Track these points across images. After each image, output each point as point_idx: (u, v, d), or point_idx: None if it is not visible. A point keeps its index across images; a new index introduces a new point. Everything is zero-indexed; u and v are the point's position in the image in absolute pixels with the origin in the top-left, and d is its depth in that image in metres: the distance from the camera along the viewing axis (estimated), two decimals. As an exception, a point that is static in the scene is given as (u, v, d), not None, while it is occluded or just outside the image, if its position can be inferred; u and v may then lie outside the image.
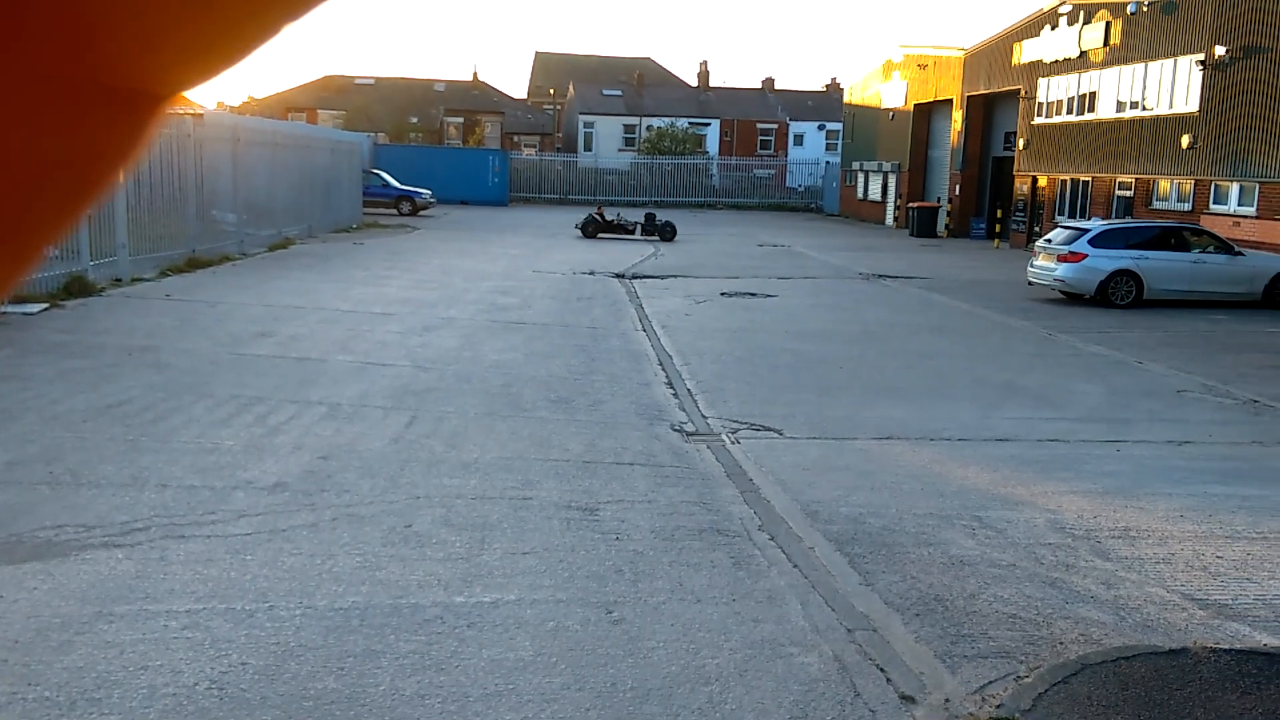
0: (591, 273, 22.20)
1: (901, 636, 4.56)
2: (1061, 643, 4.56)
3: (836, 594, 5.11)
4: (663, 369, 12.14)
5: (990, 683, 4.09)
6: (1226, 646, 4.38)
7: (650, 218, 30.58)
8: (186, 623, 4.53)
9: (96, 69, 0.35)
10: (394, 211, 37.08)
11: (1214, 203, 23.26)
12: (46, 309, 12.94)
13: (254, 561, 5.20)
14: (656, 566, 5.37)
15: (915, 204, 37.37)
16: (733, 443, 8.88)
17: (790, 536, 6.12)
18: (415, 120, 63.34)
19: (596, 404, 10.14)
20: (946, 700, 3.92)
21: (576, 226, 31.12)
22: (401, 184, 39.35)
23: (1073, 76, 29.20)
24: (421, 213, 38.01)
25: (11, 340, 11.08)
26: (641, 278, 21.74)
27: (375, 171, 39.26)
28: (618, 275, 21.96)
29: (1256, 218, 21.68)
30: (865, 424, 9.63)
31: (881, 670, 4.20)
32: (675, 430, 9.26)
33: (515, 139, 63.25)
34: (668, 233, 30.36)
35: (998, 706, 3.74)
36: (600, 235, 30.21)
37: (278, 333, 12.68)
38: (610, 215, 31.58)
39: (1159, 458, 8.84)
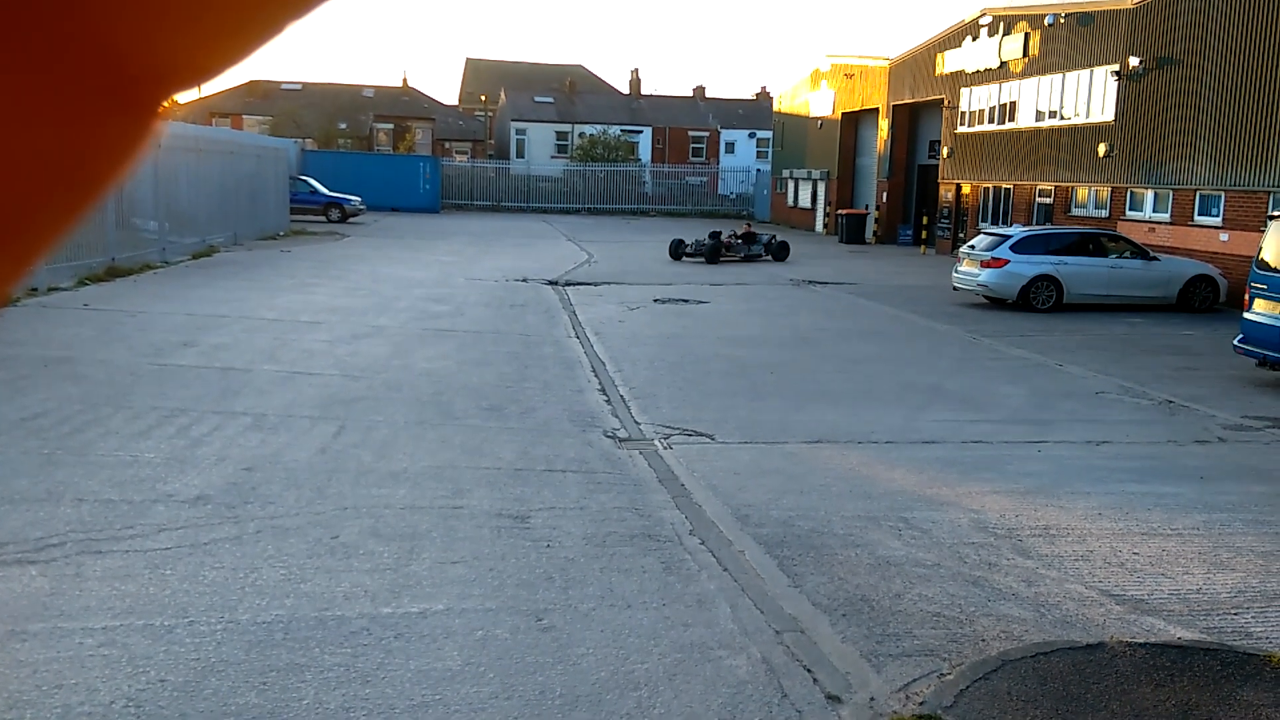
0: (524, 280, 22.11)
1: (828, 637, 4.62)
2: (984, 640, 4.66)
3: (765, 596, 5.16)
4: (596, 375, 12.14)
5: (914, 680, 4.16)
6: (1142, 640, 4.52)
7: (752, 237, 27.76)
8: (103, 640, 4.40)
9: (99, 64, 0.34)
10: (323, 219, 36.55)
11: (1130, 209, 24.00)
12: (-44, 319, 12.50)
13: (174, 576, 5.07)
14: (587, 573, 5.36)
15: (844, 211, 37.94)
16: (665, 448, 8.91)
17: (721, 540, 6.16)
18: (344, 126, 62.54)
19: (529, 411, 10.10)
20: (871, 699, 3.98)
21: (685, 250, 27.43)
22: (330, 191, 38.82)
23: (994, 86, 29.91)
24: (351, 220, 37.52)
25: (-82, 352, 10.68)
26: (575, 284, 21.72)
27: (303, 178, 38.67)
28: (551, 282, 21.91)
29: (1170, 223, 22.42)
30: (796, 428, 9.74)
31: (808, 671, 4.25)
32: (608, 436, 9.26)
33: (447, 145, 62.82)
34: (782, 253, 27.76)
35: (921, 704, 3.81)
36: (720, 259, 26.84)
37: (201, 342, 12.41)
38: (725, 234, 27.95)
39: (1078, 457, 9.08)
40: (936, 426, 10.03)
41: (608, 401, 10.73)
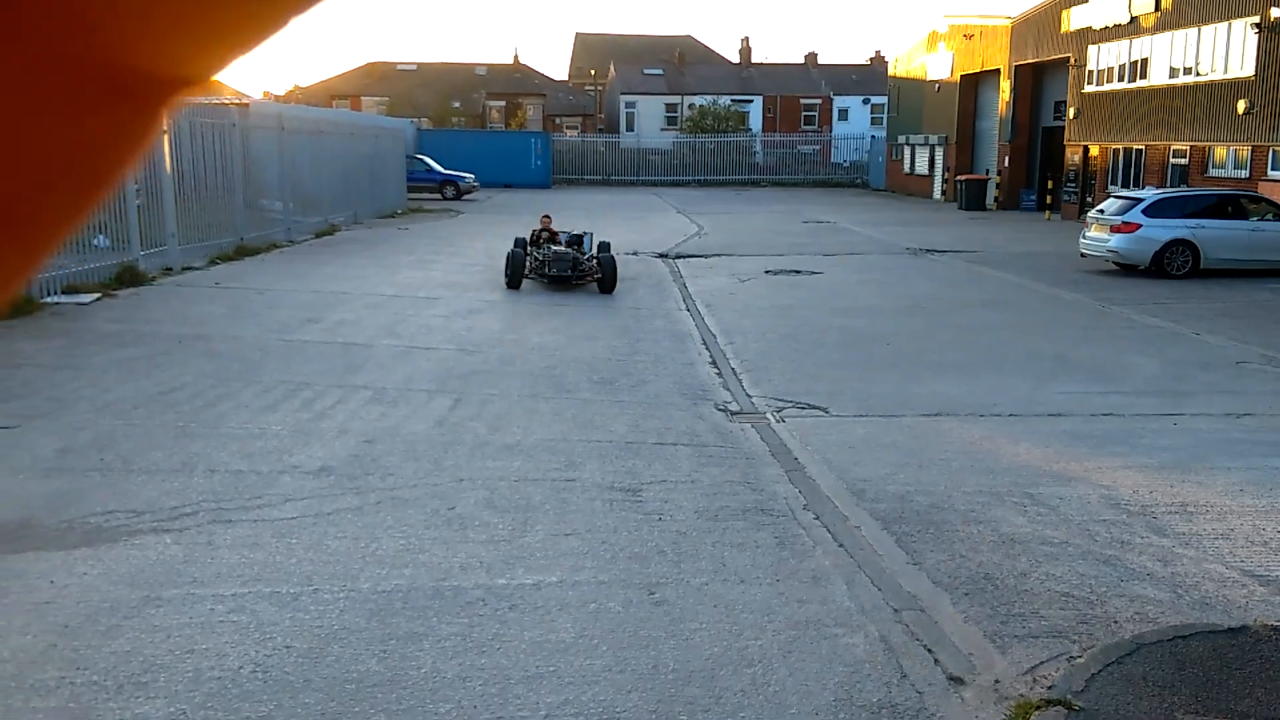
0: (635, 253, 22.10)
1: (950, 616, 4.47)
2: (1116, 622, 4.44)
3: (883, 573, 5.02)
4: (706, 348, 12.05)
5: (1041, 663, 3.98)
6: (1289, 624, 4.24)
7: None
8: (232, 606, 4.57)
9: (104, 58, 0.34)
10: (438, 196, 37.26)
11: (1272, 169, 22.58)
12: (99, 299, 13.17)
13: (299, 545, 5.23)
14: (699, 547, 5.31)
15: (963, 177, 36.76)
16: (777, 421, 8.79)
17: (836, 515, 6.03)
18: (457, 105, 63.58)
19: (640, 384, 10.10)
20: (996, 681, 3.83)
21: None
22: (445, 168, 39.50)
23: (1123, 43, 28.46)
24: (465, 197, 38.16)
25: (65, 330, 11.29)
26: (685, 257, 21.62)
27: (419, 157, 39.46)
28: (661, 255, 21.86)
29: (1319, 183, 21.01)
30: (913, 400, 9.49)
31: (929, 651, 4.12)
32: (719, 410, 9.19)
33: (557, 121, 63.24)
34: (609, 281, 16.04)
35: (1049, 688, 3.64)
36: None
37: (324, 318, 12.79)
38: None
39: (1217, 431, 8.60)
40: (1063, 399, 9.64)
41: (719, 374, 10.65)
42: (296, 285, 15.57)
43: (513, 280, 15.70)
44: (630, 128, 59.98)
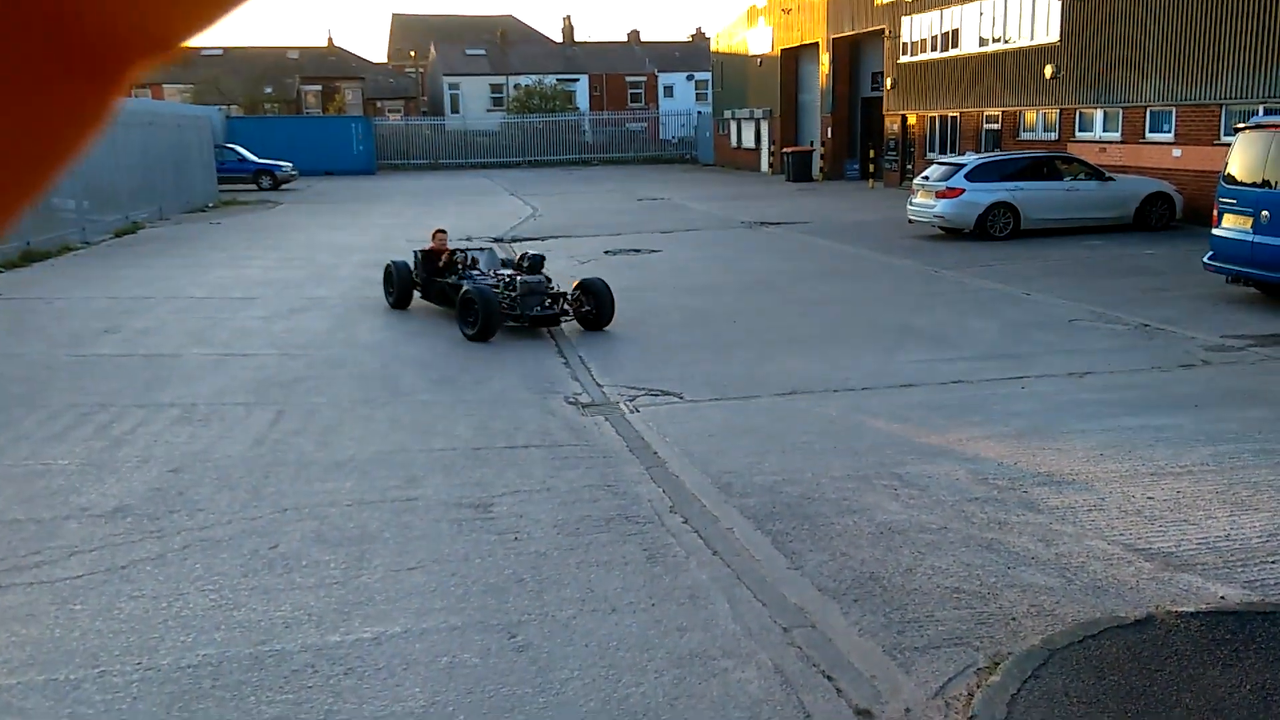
0: (469, 239, 21.25)
1: (843, 631, 4.08)
2: (1014, 618, 4.16)
3: (765, 584, 4.60)
4: (551, 336, 11.48)
5: (950, 680, 3.63)
6: (1191, 609, 4.05)
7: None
8: (-2, 701, 3.73)
9: (56, 33, 0.32)
10: (253, 187, 35.13)
11: (1080, 130, 23.63)
12: None
13: (84, 613, 4.38)
14: (563, 570, 4.76)
15: (789, 149, 37.27)
16: (632, 411, 8.32)
17: (705, 517, 5.59)
18: (270, 90, 60.38)
19: (482, 380, 9.44)
20: (907, 710, 3.44)
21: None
22: (260, 158, 37.30)
23: (935, 14, 29.28)
24: (283, 186, 36.13)
25: None
26: (521, 240, 20.92)
27: (230, 146, 37.12)
28: (496, 240, 21.09)
29: (1122, 142, 22.08)
30: (767, 379, 9.19)
31: (829, 679, 3.70)
32: (570, 402, 8.65)
33: (378, 105, 60.95)
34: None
35: (970, 718, 3.28)
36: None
37: (124, 327, 11.53)
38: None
39: (1064, 392, 8.64)
40: (912, 368, 9.54)
41: (565, 364, 10.11)
42: (92, 291, 14.08)
43: (399, 300, 12.63)
44: (455, 110, 58.46)
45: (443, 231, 12.82)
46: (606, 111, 57.92)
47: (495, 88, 60.20)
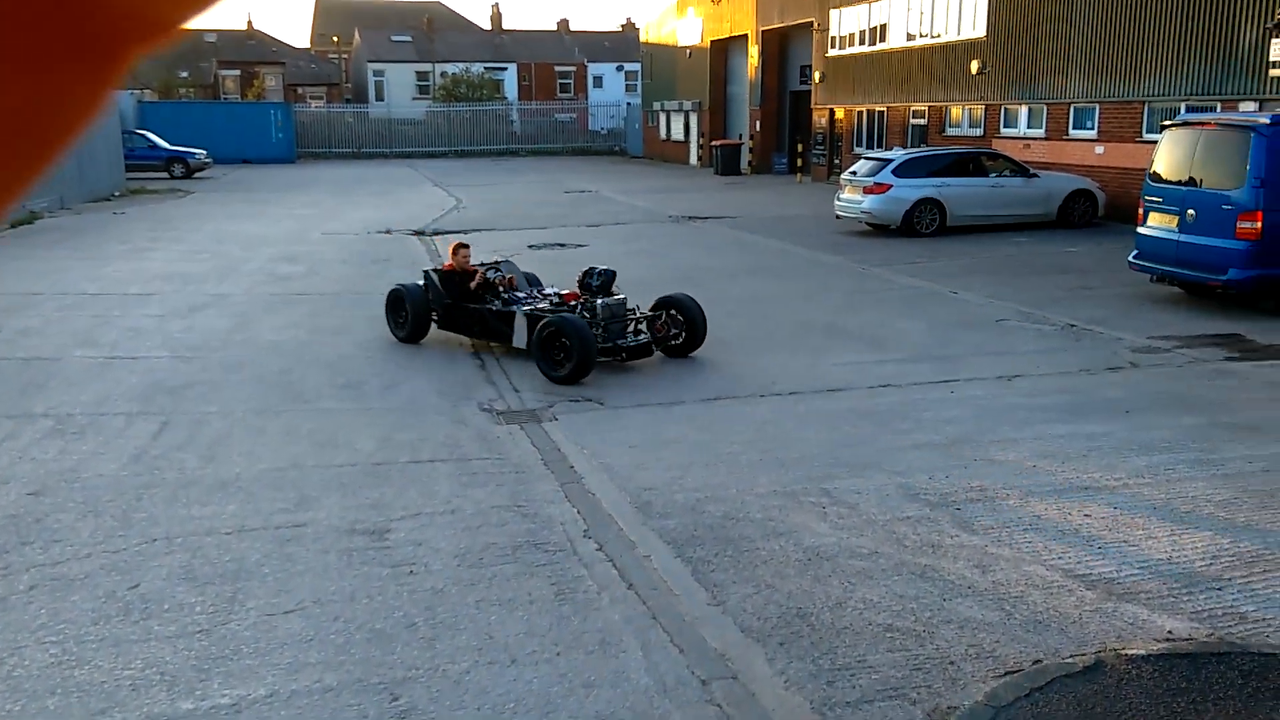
0: (388, 231, 20.57)
1: (768, 682, 3.69)
2: (952, 662, 3.82)
3: (683, 624, 4.20)
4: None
5: (886, 743, 3.28)
6: (1142, 651, 3.75)
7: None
8: None
9: (59, 14, 0.32)
10: (164, 175, 33.72)
11: (1005, 126, 23.72)
12: None
13: (-102, 673, 3.80)
14: (460, 611, 4.29)
15: (718, 142, 37.02)
16: (550, 420, 7.87)
17: (622, 543, 5.17)
18: (185, 75, 58.39)
19: (392, 386, 8.91)
20: (838, 784, 3.08)
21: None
22: (172, 145, 35.86)
23: (863, 8, 29.22)
24: (197, 175, 34.78)
25: None
26: (444, 233, 20.28)
27: (140, 132, 35.59)
28: (417, 233, 20.45)
29: (1045, 139, 22.20)
30: (692, 383, 8.82)
31: (751, 744, 3.32)
32: (484, 410, 8.17)
33: (299, 91, 59.36)
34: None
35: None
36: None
37: (4, 327, 10.72)
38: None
39: (994, 397, 8.42)
40: (841, 371, 9.25)
41: (482, 368, 9.61)
42: (-26, 287, 13.16)
43: (413, 333, 10.15)
44: (380, 97, 57.17)
45: (465, 246, 10.43)
46: (535, 102, 57.16)
47: (421, 75, 59.05)
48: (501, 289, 10.07)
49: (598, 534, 5.28)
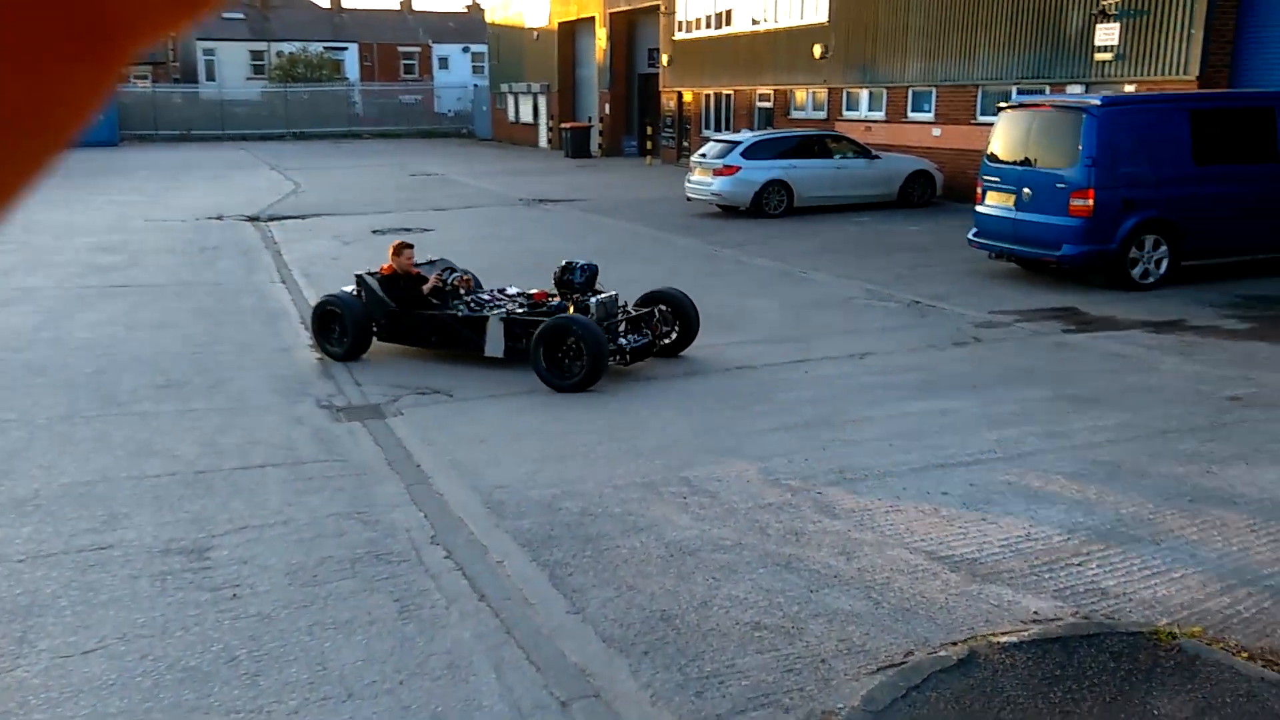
0: (219, 218, 19.42)
1: (633, 698, 3.42)
2: (824, 660, 3.64)
3: (540, 637, 3.88)
4: (306, 328, 10.33)
5: (759, 759, 3.05)
6: (1014, 638, 3.66)
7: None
8: None
9: (64, 8, 0.31)
10: (-34, 160, 31.03)
11: (847, 109, 24.17)
12: None
13: None
14: (289, 639, 3.85)
15: (568, 125, 36.63)
16: (394, 415, 7.41)
17: (472, 548, 4.81)
18: (-11, 51, 53.93)
19: (220, 383, 8.26)
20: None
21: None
22: (-27, 126, 33.05)
23: (709, -10, 29.31)
24: (3, 160, 32.14)
25: None
26: (280, 219, 19.29)
27: (-65, 113, 32.66)
28: (251, 219, 19.37)
29: (886, 121, 22.73)
30: (545, 373, 8.48)
31: (617, 772, 3.04)
32: (322, 406, 7.65)
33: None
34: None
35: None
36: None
37: None
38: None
39: (847, 375, 8.41)
40: (696, 353, 9.09)
41: (321, 359, 9.04)
42: None
43: (354, 348, 8.80)
44: (211, 77, 54.28)
45: (409, 246, 9.14)
46: (378, 82, 55.37)
47: (256, 54, 56.32)
48: (463, 291, 9.05)
49: (446, 539, 4.90)
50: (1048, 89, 17.71)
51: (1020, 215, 12.09)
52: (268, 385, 8.24)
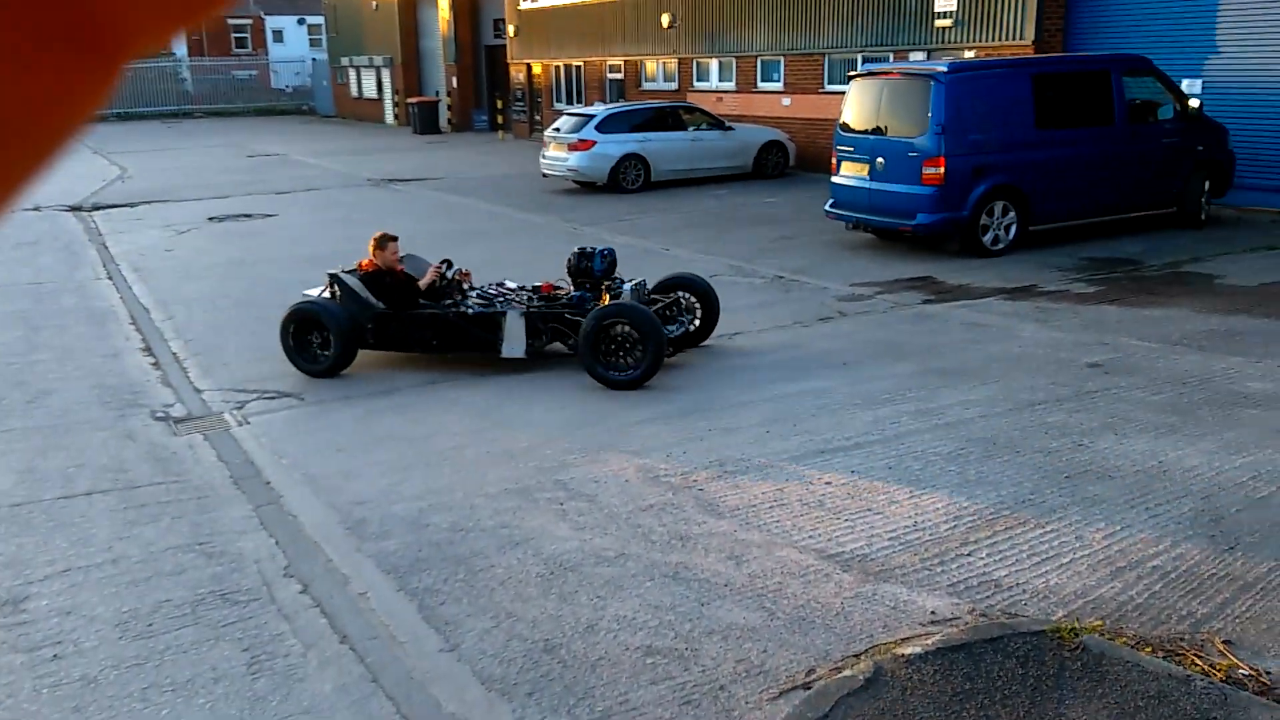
0: (36, 208, 17.90)
1: (520, 751, 3.12)
2: (723, 687, 3.41)
3: (411, 685, 3.51)
4: (138, 329, 9.55)
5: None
6: (916, 648, 3.49)
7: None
8: None
9: (62, 8, 0.31)
10: None
11: (698, 80, 24.09)
12: None
13: None
14: (118, 707, 3.37)
15: (415, 100, 35.43)
16: (240, 424, 6.84)
17: (332, 579, 4.38)
18: None
19: (40, 396, 7.49)
20: None
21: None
22: None
23: (554, -42, 28.70)
24: None
25: None
26: (105, 208, 17.93)
27: None
28: (73, 208, 17.94)
29: (736, 92, 22.74)
30: (405, 367, 8.03)
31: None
32: (158, 418, 7.01)
33: (-86, 46, 51.04)
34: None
35: None
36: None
37: None
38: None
39: (718, 357, 8.25)
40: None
41: (155, 365, 8.34)
42: None
43: (339, 361, 7.77)
44: (19, 53, 50.34)
45: (393, 239, 8.13)
46: (208, 58, 52.41)
47: (69, 28, 52.56)
48: (467, 286, 8.23)
49: (301, 570, 4.46)
50: (891, 56, 17.98)
51: (875, 185, 12.17)
52: (94, 397, 7.51)
